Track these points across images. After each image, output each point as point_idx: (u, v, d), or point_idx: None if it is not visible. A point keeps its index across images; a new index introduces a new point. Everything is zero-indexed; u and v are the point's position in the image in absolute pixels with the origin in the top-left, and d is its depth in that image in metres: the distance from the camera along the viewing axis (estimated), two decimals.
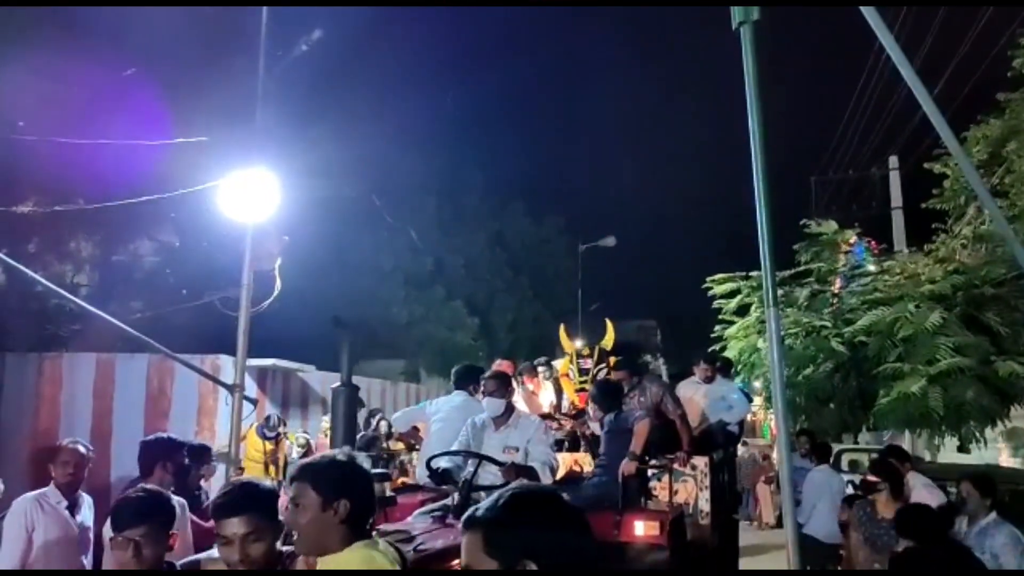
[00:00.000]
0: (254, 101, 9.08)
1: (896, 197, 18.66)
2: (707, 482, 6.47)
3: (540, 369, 8.22)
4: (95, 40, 11.94)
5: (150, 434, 7.69)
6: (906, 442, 16.71)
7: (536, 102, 52.96)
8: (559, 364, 8.07)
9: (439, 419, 5.98)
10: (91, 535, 4.54)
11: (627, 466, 5.38)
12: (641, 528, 5.03)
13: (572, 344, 7.92)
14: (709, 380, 7.73)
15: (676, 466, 6.28)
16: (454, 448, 5.11)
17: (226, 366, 9.84)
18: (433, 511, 4.42)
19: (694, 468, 6.49)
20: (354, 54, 17.41)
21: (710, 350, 10.81)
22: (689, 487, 6.45)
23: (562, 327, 8.51)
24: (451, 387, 6.37)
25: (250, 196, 8.76)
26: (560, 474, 6.11)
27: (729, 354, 11.36)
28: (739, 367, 11.31)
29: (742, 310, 11.51)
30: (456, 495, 4.57)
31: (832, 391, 10.44)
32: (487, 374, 5.49)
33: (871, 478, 5.54)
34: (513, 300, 24.11)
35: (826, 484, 7.90)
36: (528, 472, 4.75)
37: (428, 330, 20.29)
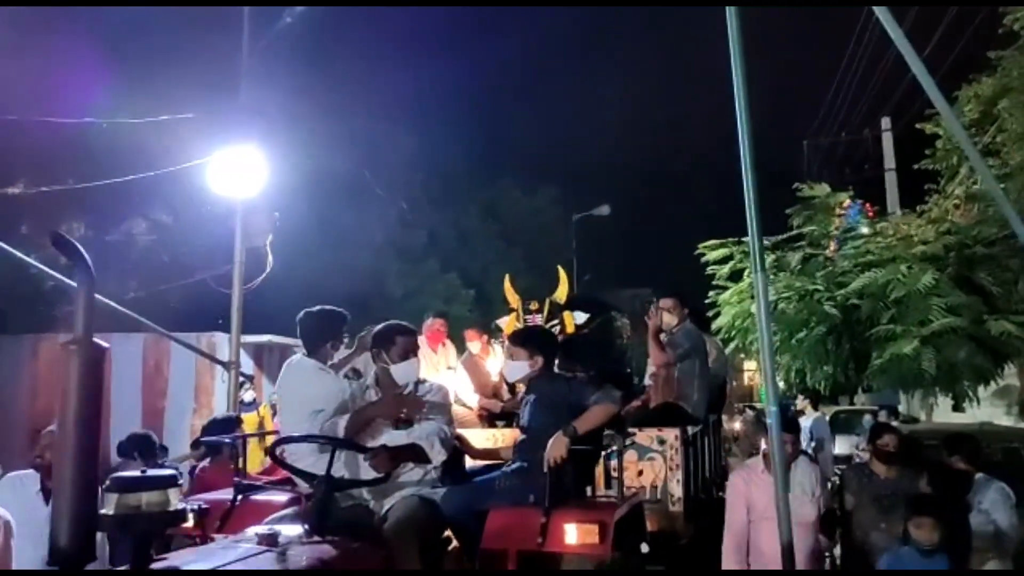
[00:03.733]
0: (240, 77, 9.05)
1: (889, 159, 18.62)
2: (679, 460, 5.30)
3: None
4: (82, 18, 11.84)
5: (148, 413, 7.69)
6: (902, 403, 16.84)
7: (527, 72, 52.64)
8: (504, 322, 6.83)
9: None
10: None
11: (555, 446, 3.75)
12: (574, 534, 3.60)
13: (518, 298, 6.75)
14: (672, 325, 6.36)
15: (639, 441, 5.25)
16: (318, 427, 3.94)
17: (222, 344, 9.88)
18: (281, 519, 3.51)
19: (662, 443, 5.31)
20: (340, 28, 17.26)
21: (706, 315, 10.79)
22: (656, 466, 5.28)
23: (507, 278, 7.12)
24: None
25: (239, 173, 8.79)
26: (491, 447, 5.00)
27: (723, 320, 11.40)
28: (733, 332, 11.36)
29: (736, 275, 11.50)
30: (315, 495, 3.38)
31: (826, 354, 10.49)
32: (380, 328, 4.14)
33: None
34: (507, 271, 24.10)
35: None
36: (410, 452, 3.75)
37: (423, 303, 20.26)
